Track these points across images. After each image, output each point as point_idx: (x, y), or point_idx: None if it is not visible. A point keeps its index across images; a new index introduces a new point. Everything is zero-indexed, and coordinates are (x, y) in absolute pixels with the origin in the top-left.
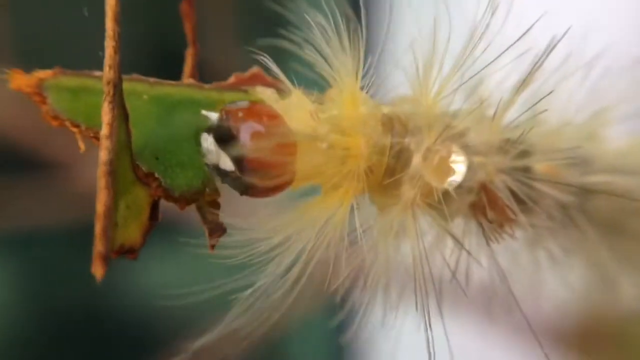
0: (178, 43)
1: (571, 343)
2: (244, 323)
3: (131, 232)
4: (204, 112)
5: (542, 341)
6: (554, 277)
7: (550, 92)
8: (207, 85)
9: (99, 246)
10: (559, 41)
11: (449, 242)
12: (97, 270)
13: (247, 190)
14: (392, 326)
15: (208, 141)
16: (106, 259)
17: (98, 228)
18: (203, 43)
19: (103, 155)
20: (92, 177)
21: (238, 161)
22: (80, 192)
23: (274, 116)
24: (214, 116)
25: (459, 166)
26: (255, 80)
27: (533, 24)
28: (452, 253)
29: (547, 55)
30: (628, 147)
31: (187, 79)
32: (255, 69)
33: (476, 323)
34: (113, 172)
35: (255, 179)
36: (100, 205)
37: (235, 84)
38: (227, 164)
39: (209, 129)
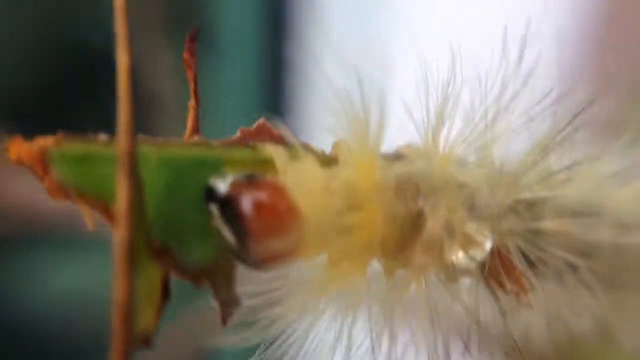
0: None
1: None
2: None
3: (147, 318)
4: (212, 181)
5: None
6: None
7: (575, 162)
8: (214, 142)
9: (121, 346)
10: (583, 110)
11: (459, 306)
12: None
13: (247, 266)
14: None
15: (214, 210)
16: (129, 357)
17: (118, 323)
18: (132, 43)
19: (122, 235)
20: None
21: (242, 240)
22: None
23: (281, 192)
24: (222, 187)
25: (483, 244)
26: (262, 133)
27: (555, 92)
28: (463, 316)
29: (569, 125)
30: (634, 200)
31: (190, 134)
32: (261, 121)
33: None
34: (132, 254)
35: (258, 264)
36: (121, 295)
37: (242, 139)
38: (230, 239)
39: (214, 199)
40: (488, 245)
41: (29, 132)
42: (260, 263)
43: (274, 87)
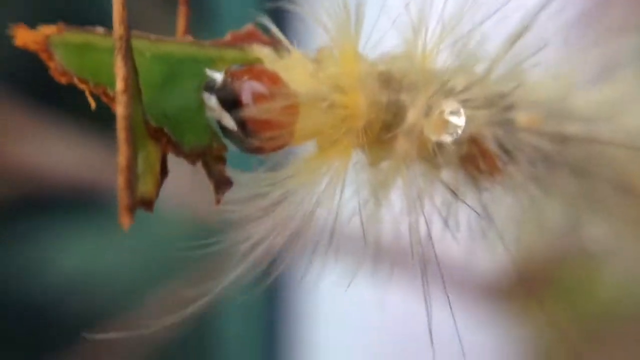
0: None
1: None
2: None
3: (148, 186)
4: (208, 71)
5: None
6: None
7: (539, 50)
8: (205, 42)
9: (124, 198)
10: (548, 2)
11: (440, 193)
12: (125, 220)
13: (248, 149)
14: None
15: (211, 100)
16: (132, 210)
17: (122, 181)
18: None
19: (121, 110)
20: None
21: (241, 123)
22: None
23: (276, 78)
24: (218, 77)
25: (459, 119)
26: (251, 37)
27: None
28: (443, 203)
29: (536, 16)
30: (601, 98)
31: (181, 35)
32: (250, 26)
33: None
34: (132, 127)
35: (257, 139)
36: (123, 159)
37: (232, 42)
38: (229, 123)
39: (212, 89)
40: (464, 122)
41: (26, 99)
42: (259, 147)
43: None
